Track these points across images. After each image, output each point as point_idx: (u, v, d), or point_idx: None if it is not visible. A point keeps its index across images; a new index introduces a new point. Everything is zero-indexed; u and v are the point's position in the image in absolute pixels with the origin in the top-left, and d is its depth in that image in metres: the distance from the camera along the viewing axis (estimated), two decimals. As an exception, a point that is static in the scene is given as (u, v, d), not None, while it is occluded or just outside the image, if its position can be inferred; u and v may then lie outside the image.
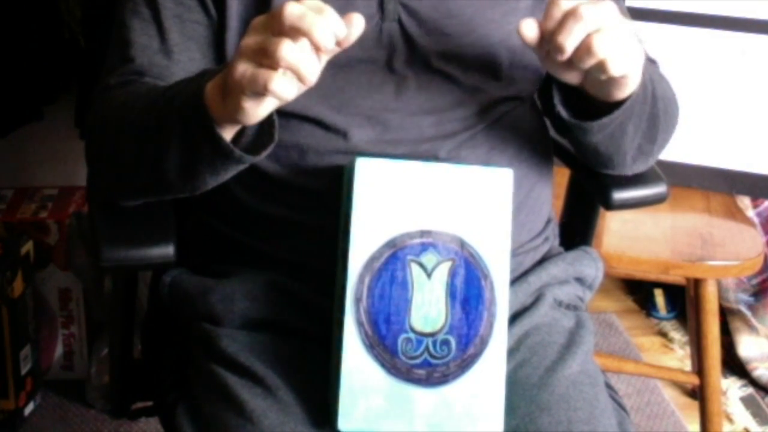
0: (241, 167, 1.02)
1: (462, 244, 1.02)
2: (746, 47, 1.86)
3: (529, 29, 0.97)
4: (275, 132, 0.99)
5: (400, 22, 1.11)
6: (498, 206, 1.03)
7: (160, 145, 1.02)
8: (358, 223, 1.00)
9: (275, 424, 1.04)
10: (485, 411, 1.02)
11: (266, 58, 0.88)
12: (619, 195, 1.25)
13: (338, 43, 0.90)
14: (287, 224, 1.12)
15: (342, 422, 1.00)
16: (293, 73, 0.88)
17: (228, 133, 0.98)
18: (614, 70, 0.96)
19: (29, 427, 2.03)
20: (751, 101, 1.88)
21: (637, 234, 1.86)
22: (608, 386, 1.19)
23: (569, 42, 0.94)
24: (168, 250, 1.10)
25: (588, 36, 0.94)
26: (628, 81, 1.01)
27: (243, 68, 0.90)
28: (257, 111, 0.92)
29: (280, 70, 0.88)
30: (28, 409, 2.05)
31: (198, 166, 1.02)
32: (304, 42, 0.88)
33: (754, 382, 2.24)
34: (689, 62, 1.88)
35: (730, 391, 2.21)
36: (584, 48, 0.94)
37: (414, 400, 1.01)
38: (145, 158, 1.05)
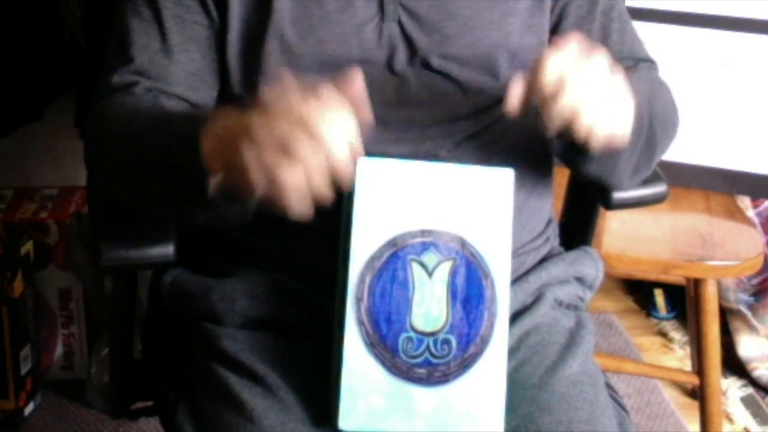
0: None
1: (463, 243, 1.02)
2: (746, 47, 1.86)
3: (513, 105, 0.97)
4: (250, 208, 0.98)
5: (400, 22, 1.11)
6: (499, 206, 1.03)
7: (155, 179, 1.03)
8: (360, 222, 1.00)
9: (275, 424, 1.04)
10: (485, 410, 1.02)
11: (284, 160, 0.88)
12: (619, 195, 1.25)
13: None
14: (287, 224, 1.11)
15: (342, 421, 1.00)
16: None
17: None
18: (599, 139, 0.98)
19: (29, 427, 2.03)
20: (751, 101, 1.88)
21: (637, 234, 1.86)
22: (608, 386, 1.19)
23: (555, 119, 0.96)
24: (168, 250, 1.10)
25: (574, 109, 0.95)
26: (616, 139, 1.01)
27: (257, 171, 0.89)
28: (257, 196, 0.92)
29: (298, 195, 0.89)
30: (28, 409, 2.05)
31: (190, 208, 1.02)
32: (322, 163, 0.88)
33: (754, 382, 2.23)
34: (689, 62, 1.88)
35: (730, 391, 2.21)
36: (570, 120, 0.96)
37: (414, 400, 1.01)
38: (142, 186, 1.06)
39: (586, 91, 0.95)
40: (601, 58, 0.97)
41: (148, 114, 1.08)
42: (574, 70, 0.95)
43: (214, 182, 0.96)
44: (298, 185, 0.89)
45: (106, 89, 1.13)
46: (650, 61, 1.23)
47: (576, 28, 1.17)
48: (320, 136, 0.88)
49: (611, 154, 1.06)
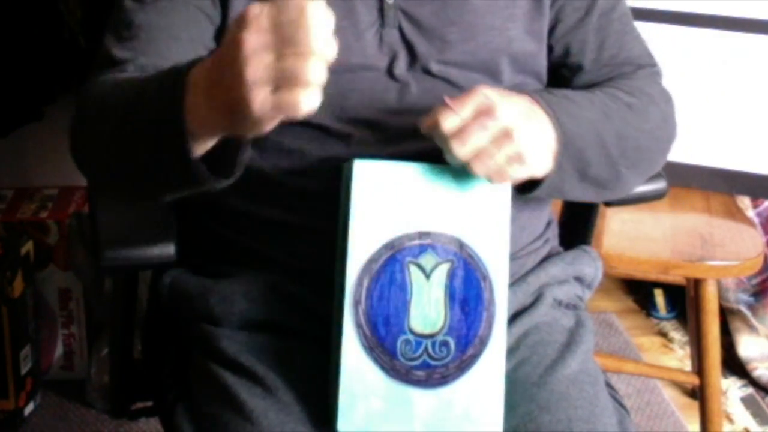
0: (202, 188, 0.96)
1: (461, 245, 1.02)
2: (746, 47, 1.86)
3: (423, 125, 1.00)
4: (241, 160, 0.94)
5: (400, 29, 1.11)
6: (496, 206, 1.03)
7: (136, 145, 0.96)
8: (357, 225, 1.00)
9: (275, 424, 1.04)
10: (484, 412, 1.02)
11: (290, 79, 0.81)
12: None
13: None
14: (286, 227, 1.12)
15: (341, 424, 1.00)
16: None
17: (199, 148, 0.91)
18: (500, 182, 1.00)
19: (29, 427, 2.03)
20: (751, 101, 1.88)
21: (637, 234, 1.86)
22: (608, 385, 1.19)
23: (452, 161, 0.98)
24: (169, 250, 1.10)
25: (467, 157, 0.97)
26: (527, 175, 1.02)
27: (262, 99, 0.81)
28: (266, 128, 0.85)
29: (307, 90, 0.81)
30: (28, 409, 2.05)
31: (162, 178, 0.97)
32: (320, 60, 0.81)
33: (754, 382, 2.24)
34: (689, 62, 1.88)
35: (730, 391, 2.21)
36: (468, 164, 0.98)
37: (413, 402, 1.01)
38: (120, 154, 1.00)
39: (480, 143, 0.97)
40: (505, 109, 0.97)
41: (132, 81, 1.02)
42: (470, 126, 0.96)
43: (198, 144, 0.90)
44: (307, 75, 0.80)
45: (99, 68, 1.08)
46: (651, 66, 1.23)
47: (573, 30, 1.17)
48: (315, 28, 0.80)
49: (554, 189, 1.08)
